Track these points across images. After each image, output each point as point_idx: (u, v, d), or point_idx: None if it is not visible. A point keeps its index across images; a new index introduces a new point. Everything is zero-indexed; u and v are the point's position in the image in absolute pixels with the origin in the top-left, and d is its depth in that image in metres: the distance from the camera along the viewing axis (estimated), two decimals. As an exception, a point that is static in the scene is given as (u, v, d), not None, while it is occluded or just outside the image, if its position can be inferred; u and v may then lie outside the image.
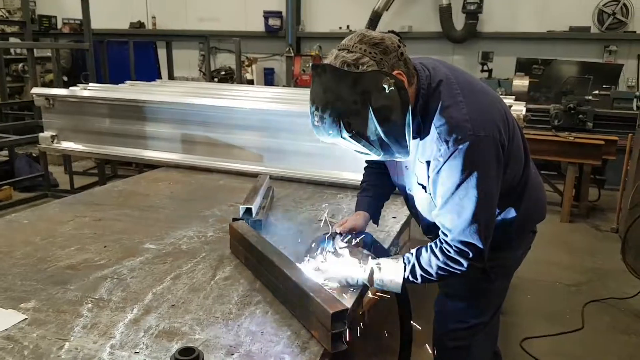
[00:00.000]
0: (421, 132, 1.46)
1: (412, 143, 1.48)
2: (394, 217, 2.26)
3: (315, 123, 1.38)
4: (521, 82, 6.03)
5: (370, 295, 1.74)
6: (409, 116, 1.36)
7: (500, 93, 6.08)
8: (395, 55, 1.37)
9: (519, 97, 5.49)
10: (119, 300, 1.53)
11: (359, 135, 1.35)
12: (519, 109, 2.78)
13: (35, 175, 5.65)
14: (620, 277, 3.86)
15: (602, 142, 5.05)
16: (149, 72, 6.24)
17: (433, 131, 1.41)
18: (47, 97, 3.46)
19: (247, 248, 1.75)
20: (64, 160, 5.97)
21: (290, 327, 1.40)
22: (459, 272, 1.47)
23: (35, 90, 3.62)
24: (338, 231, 1.69)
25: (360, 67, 1.32)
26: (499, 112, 1.47)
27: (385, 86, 1.31)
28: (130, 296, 1.56)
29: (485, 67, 7.03)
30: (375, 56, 1.33)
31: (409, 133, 1.38)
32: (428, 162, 1.45)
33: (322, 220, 2.20)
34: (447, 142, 1.37)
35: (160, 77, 6.43)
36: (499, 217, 1.61)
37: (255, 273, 1.70)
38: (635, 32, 6.84)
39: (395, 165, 1.71)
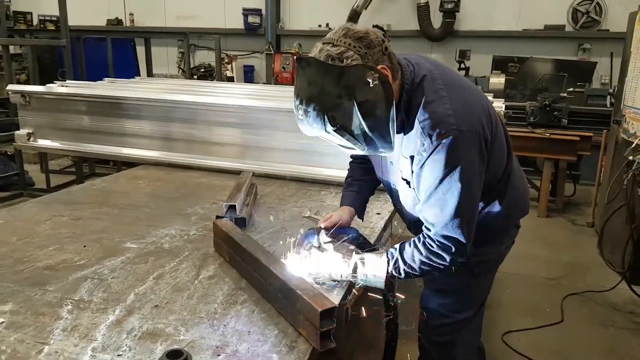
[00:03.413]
0: (405, 127, 1.47)
1: (396, 138, 1.49)
2: (378, 214, 2.26)
3: (300, 117, 1.37)
4: (498, 80, 6.12)
5: (355, 291, 1.74)
6: (393, 111, 1.36)
7: (478, 90, 6.17)
8: (380, 49, 1.36)
9: (495, 95, 5.57)
10: (100, 302, 1.49)
11: (342, 129, 1.35)
12: (498, 105, 2.81)
13: (10, 174, 5.51)
14: (597, 270, 3.96)
15: (577, 139, 5.16)
16: (128, 70, 6.14)
17: (417, 126, 1.41)
18: (23, 94, 3.38)
19: (232, 246, 1.73)
20: (40, 158, 5.83)
21: (278, 325, 1.38)
22: (441, 266, 1.48)
23: (11, 87, 3.51)
24: (322, 226, 1.68)
25: (344, 60, 1.31)
26: (482, 107, 1.48)
27: (370, 80, 1.30)
28: (112, 297, 1.52)
29: (462, 65, 7.10)
30: (359, 50, 1.33)
31: (393, 128, 1.38)
32: (412, 157, 1.45)
33: (306, 216, 2.21)
34: (430, 136, 1.37)
35: (138, 75, 6.33)
36: (483, 212, 1.63)
37: (241, 271, 1.68)
38: (608, 30, 6.99)
39: (380, 160, 1.71)
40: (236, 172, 2.69)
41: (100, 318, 1.40)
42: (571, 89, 6.14)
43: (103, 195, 2.55)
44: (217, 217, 2.02)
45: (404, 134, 1.48)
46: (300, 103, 1.36)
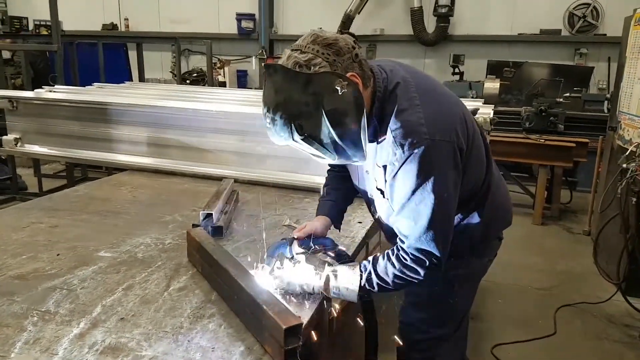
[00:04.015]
0: (378, 136, 1.42)
1: (370, 147, 1.45)
2: (360, 222, 2.22)
3: (267, 125, 1.34)
4: (492, 85, 6.07)
5: (336, 305, 1.69)
6: (364, 119, 1.32)
7: (471, 96, 6.12)
8: (350, 56, 1.32)
9: (490, 100, 5.54)
10: (66, 313, 1.46)
11: (311, 138, 1.31)
12: (486, 112, 2.76)
13: (3, 178, 5.48)
14: (592, 280, 3.88)
15: (573, 145, 5.10)
16: (120, 75, 6.12)
17: (389, 135, 1.37)
18: (10, 99, 3.37)
19: (204, 256, 1.69)
20: (34, 162, 5.81)
21: (244, 342, 1.33)
22: (416, 280, 1.43)
23: (-2, 92, 3.51)
24: (295, 236, 1.64)
25: (312, 68, 1.27)
26: (458, 115, 1.44)
27: (338, 88, 1.26)
28: (79, 308, 1.49)
29: (456, 70, 7.06)
30: (328, 57, 1.29)
31: (364, 137, 1.34)
32: (385, 167, 1.41)
33: (286, 225, 2.16)
34: (402, 146, 1.33)
35: (131, 79, 6.30)
36: (462, 224, 1.58)
37: (212, 283, 1.64)
38: (605, 34, 6.94)
39: (357, 169, 1.67)
40: (220, 179, 2.65)
41: (64, 331, 1.36)
42: (567, 94, 6.08)
43: (84, 201, 2.52)
44: (194, 225, 1.98)
45: (377, 143, 1.44)
46: (268, 111, 1.32)
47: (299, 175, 2.69)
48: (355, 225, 2.19)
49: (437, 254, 1.39)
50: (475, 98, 5.50)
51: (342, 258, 1.67)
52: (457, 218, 1.56)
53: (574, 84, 6.39)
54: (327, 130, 1.29)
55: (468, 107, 2.61)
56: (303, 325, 1.36)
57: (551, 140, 5.15)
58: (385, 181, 1.43)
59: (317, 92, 1.27)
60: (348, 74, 1.31)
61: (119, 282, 1.66)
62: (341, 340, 2.47)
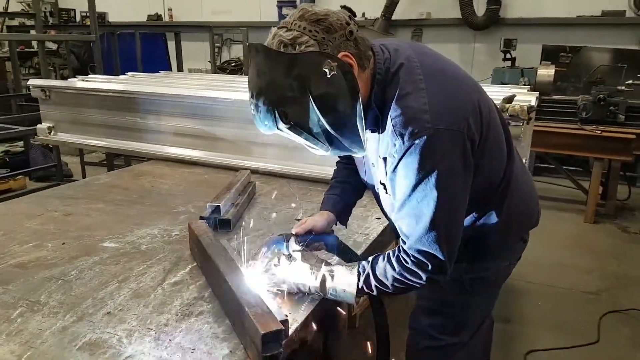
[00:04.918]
0: (379, 125, 1.27)
1: (373, 137, 1.30)
2: (378, 218, 2.06)
3: (252, 112, 1.22)
4: (547, 72, 5.65)
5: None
6: (359, 106, 1.18)
7: (522, 83, 5.74)
8: (342, 34, 1.18)
9: (543, 87, 5.17)
10: (55, 305, 1.42)
11: (298, 126, 1.18)
12: (527, 99, 2.52)
13: (48, 165, 5.69)
14: (646, 285, 3.56)
15: (633, 137, 4.68)
16: (160, 64, 6.17)
17: (389, 123, 1.21)
18: (42, 89, 3.43)
19: (201, 251, 1.61)
20: (80, 151, 5.99)
21: (229, 344, 1.24)
22: (417, 285, 1.28)
23: (32, 81, 3.58)
24: (294, 232, 1.52)
25: (297, 47, 1.14)
26: (471, 102, 1.26)
27: (327, 70, 1.12)
28: (69, 300, 1.45)
29: (507, 56, 6.65)
30: (316, 35, 1.15)
31: (361, 125, 1.20)
32: (385, 159, 1.26)
33: (298, 219, 2.05)
34: (402, 135, 1.17)
35: (171, 69, 6.35)
36: (477, 224, 1.41)
37: (208, 279, 1.55)
38: (677, 16, 6.35)
39: (363, 161, 1.53)
40: (238, 169, 2.57)
41: (48, 323, 1.33)
42: (630, 82, 5.57)
43: (103, 190, 2.52)
44: (201, 217, 1.91)
45: (379, 133, 1.29)
46: (251, 96, 1.20)
47: (323, 168, 2.56)
48: (373, 221, 2.05)
49: (441, 257, 1.23)
50: (527, 85, 5.14)
51: (349, 255, 1.55)
52: (471, 217, 1.40)
53: (638, 71, 5.87)
54: (316, 118, 1.16)
55: (506, 94, 2.42)
56: (294, 329, 1.27)
57: (609, 132, 4.74)
58: (387, 174, 1.28)
59: (303, 75, 1.13)
60: (340, 54, 1.16)
61: (115, 274, 1.61)
62: (362, 337, 2.33)
